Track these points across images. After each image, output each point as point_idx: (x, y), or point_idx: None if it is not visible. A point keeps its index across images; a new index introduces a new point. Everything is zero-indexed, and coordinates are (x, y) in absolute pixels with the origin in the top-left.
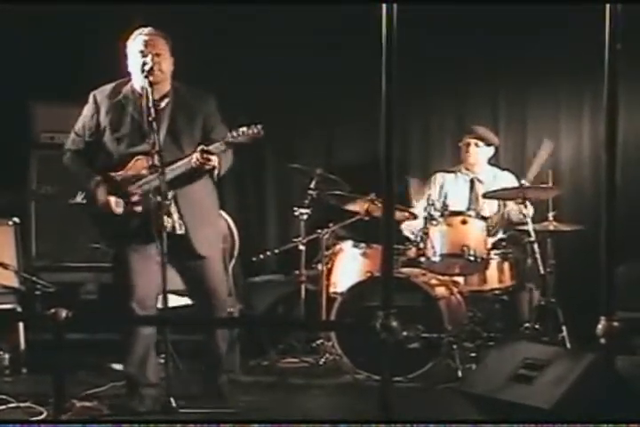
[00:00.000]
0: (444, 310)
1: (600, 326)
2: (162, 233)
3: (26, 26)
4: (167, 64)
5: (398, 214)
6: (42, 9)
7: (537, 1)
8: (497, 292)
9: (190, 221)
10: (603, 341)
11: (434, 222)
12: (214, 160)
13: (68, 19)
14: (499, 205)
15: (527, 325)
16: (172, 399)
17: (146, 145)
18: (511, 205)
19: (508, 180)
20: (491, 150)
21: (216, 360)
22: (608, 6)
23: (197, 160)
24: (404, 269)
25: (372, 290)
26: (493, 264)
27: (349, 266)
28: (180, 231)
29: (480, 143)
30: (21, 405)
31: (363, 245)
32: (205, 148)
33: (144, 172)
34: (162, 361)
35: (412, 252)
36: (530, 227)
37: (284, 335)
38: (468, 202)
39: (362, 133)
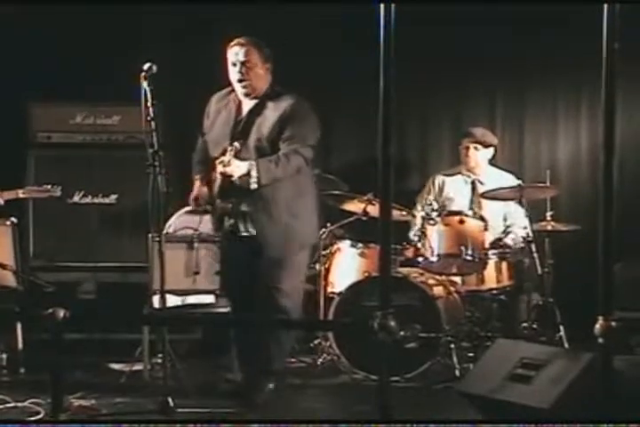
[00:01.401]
0: (442, 310)
1: (598, 326)
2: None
3: (21, 26)
4: (257, 73)
5: (396, 214)
6: (38, 9)
7: (535, 0)
8: (495, 292)
9: (259, 222)
10: (600, 340)
11: (431, 222)
12: (232, 172)
13: (63, 18)
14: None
15: (525, 324)
16: (169, 399)
17: (219, 150)
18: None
19: (510, 180)
20: (490, 152)
21: (265, 362)
22: (606, 6)
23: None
24: (402, 269)
25: (369, 290)
26: (491, 264)
27: (347, 266)
28: (245, 233)
29: (479, 146)
30: (19, 404)
31: (360, 244)
32: (222, 158)
33: (218, 175)
34: (159, 361)
35: (410, 252)
36: (528, 227)
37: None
38: (469, 203)
39: (360, 133)
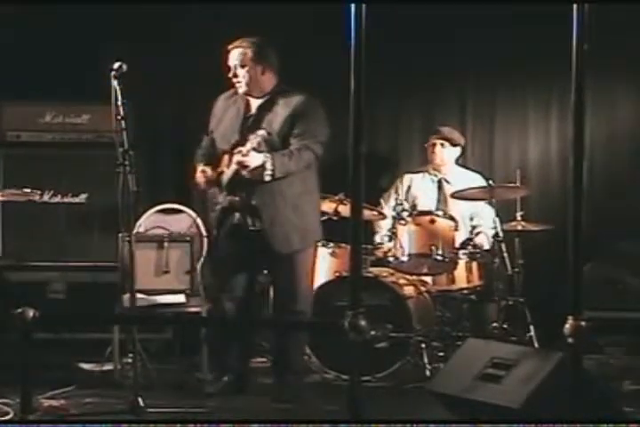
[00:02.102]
0: (413, 310)
1: (567, 326)
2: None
3: None
4: (250, 74)
5: (367, 214)
6: (7, 8)
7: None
8: (465, 291)
9: (267, 217)
10: (570, 340)
11: (402, 222)
12: (248, 164)
13: (35, 17)
14: None
15: (495, 324)
16: (139, 399)
17: (228, 144)
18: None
19: (477, 180)
20: (457, 151)
21: (286, 362)
22: (575, 6)
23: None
24: (373, 269)
25: (340, 289)
26: (461, 264)
27: (318, 265)
28: (252, 227)
29: (446, 144)
30: None
31: (331, 244)
32: (241, 148)
33: (225, 169)
34: (129, 360)
35: (381, 251)
36: (498, 227)
37: (253, 335)
38: (436, 202)
39: (331, 133)
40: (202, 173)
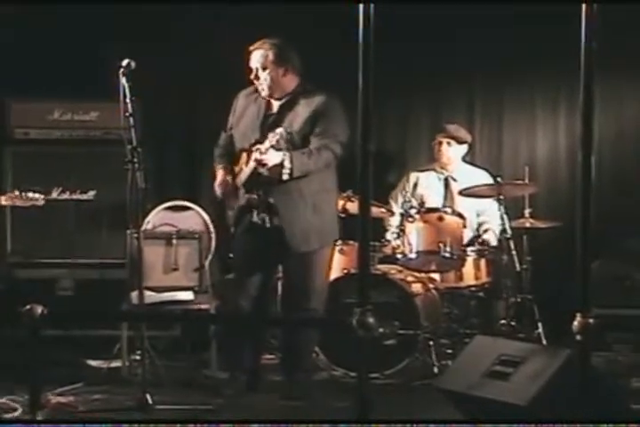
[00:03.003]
0: (421, 307)
1: (576, 323)
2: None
3: None
4: (271, 75)
5: (375, 211)
6: (16, 7)
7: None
8: (473, 289)
9: (285, 215)
10: (578, 337)
11: (410, 220)
12: (267, 162)
13: (41, 16)
14: None
15: (503, 321)
16: (148, 396)
17: (247, 142)
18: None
19: (484, 177)
20: (463, 148)
21: (295, 359)
22: (584, 6)
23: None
24: (381, 266)
25: (348, 286)
26: (469, 261)
27: None
28: (270, 226)
29: (452, 142)
30: None
31: (339, 242)
32: (259, 146)
33: (244, 166)
34: (138, 357)
35: (389, 248)
36: (506, 224)
37: (264, 332)
38: (443, 200)
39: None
40: (223, 178)
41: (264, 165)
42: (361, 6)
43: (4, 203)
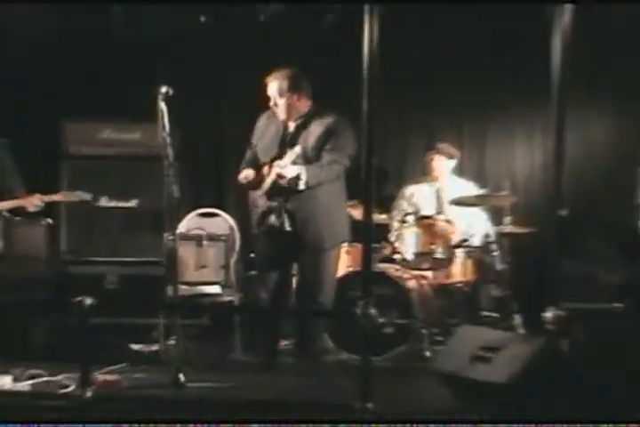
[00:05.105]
0: (415, 300)
1: (548, 315)
2: None
3: (57, 53)
4: (287, 102)
5: (377, 217)
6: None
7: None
8: (460, 284)
9: (302, 220)
10: (550, 327)
11: (407, 225)
12: (286, 175)
13: (92, 46)
14: None
15: (486, 313)
16: (181, 375)
17: (268, 157)
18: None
19: (470, 188)
20: (452, 163)
21: (308, 344)
22: (558, 31)
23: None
24: (381, 265)
25: (353, 282)
26: (458, 261)
27: None
28: (288, 228)
29: (442, 158)
30: (53, 378)
31: (346, 244)
32: (277, 164)
33: (266, 177)
34: (173, 342)
35: (388, 250)
36: (489, 229)
37: (282, 321)
38: (435, 208)
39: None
40: (245, 175)
41: (283, 177)
42: (366, 33)
43: (57, 199)
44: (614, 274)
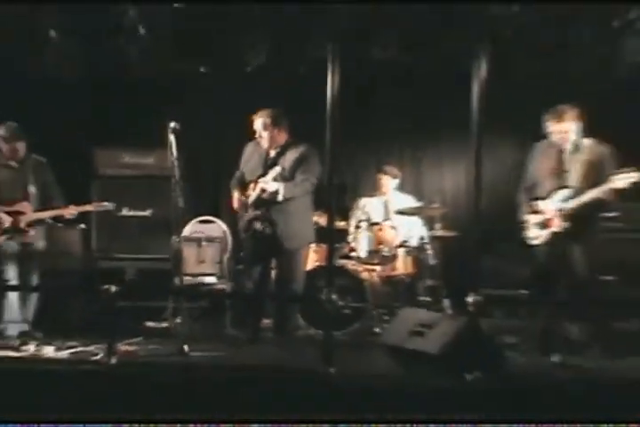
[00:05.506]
0: (367, 288)
1: (469, 299)
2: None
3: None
4: (269, 134)
5: (337, 224)
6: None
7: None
8: (402, 276)
9: (280, 225)
10: (471, 309)
11: (360, 230)
12: (268, 189)
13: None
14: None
15: (421, 298)
16: (185, 346)
17: (253, 176)
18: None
19: (410, 201)
20: (396, 181)
21: (284, 322)
22: (475, 82)
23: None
24: (341, 261)
25: (319, 274)
26: (400, 258)
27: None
28: (268, 232)
29: (388, 177)
30: (85, 349)
31: (314, 244)
32: (262, 180)
33: (251, 192)
34: (179, 320)
35: (346, 249)
36: (424, 233)
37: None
38: (383, 216)
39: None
40: (237, 200)
41: (265, 191)
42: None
43: (88, 208)
44: (519, 268)
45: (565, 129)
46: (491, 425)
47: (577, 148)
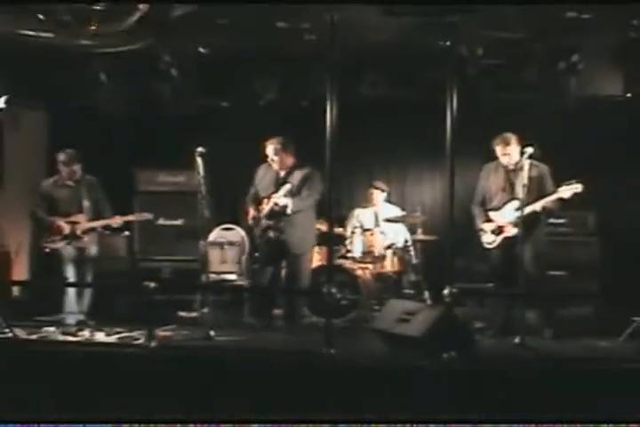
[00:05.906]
0: (361, 283)
1: (445, 291)
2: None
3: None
4: (279, 158)
5: (336, 230)
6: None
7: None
8: (390, 273)
9: (289, 233)
10: (447, 300)
11: (355, 235)
12: (279, 204)
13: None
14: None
15: (406, 291)
16: (211, 332)
17: (266, 193)
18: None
19: (396, 211)
20: (385, 194)
21: (292, 312)
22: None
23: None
24: (339, 261)
25: (321, 272)
26: (388, 258)
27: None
28: (279, 239)
29: (378, 191)
30: (130, 334)
31: (317, 247)
32: (274, 196)
33: (265, 206)
34: (206, 311)
35: (344, 251)
36: (408, 237)
37: (276, 297)
38: (374, 224)
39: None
40: (252, 216)
41: (277, 205)
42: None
43: (131, 218)
44: (486, 265)
45: (509, 151)
46: (491, 425)
47: (520, 167)
